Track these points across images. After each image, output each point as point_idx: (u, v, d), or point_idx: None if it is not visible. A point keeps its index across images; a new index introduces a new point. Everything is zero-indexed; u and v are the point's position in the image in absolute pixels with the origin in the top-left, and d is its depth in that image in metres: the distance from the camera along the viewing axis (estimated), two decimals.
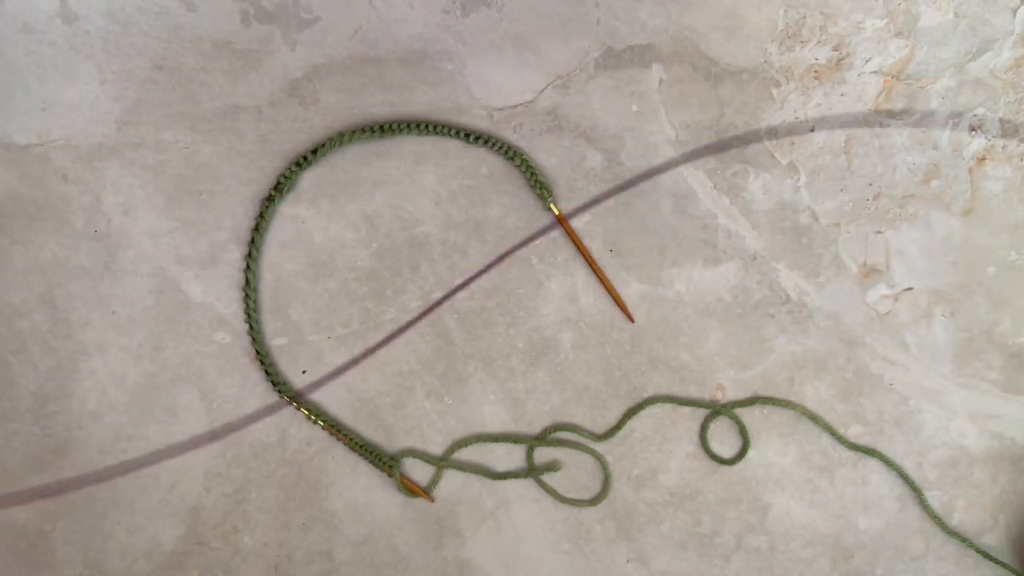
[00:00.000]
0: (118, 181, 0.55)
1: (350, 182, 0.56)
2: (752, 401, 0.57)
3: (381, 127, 0.54)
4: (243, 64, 0.55)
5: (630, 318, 0.56)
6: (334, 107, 0.55)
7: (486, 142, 0.55)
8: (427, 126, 0.54)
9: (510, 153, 0.55)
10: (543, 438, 0.57)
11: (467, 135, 0.55)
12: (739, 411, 0.57)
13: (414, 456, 0.56)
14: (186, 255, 0.55)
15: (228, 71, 0.55)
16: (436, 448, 0.57)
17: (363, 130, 0.54)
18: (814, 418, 0.57)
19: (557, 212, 0.55)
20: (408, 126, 0.54)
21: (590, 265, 0.56)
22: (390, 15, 0.55)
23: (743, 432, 0.57)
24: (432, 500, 0.57)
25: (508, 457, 0.57)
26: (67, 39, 0.54)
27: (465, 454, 0.57)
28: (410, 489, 0.56)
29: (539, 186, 0.55)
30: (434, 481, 0.57)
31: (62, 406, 0.54)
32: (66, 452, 0.55)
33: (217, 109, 0.55)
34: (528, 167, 0.54)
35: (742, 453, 0.57)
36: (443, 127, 0.55)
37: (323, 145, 0.54)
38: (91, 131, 0.54)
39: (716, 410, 0.57)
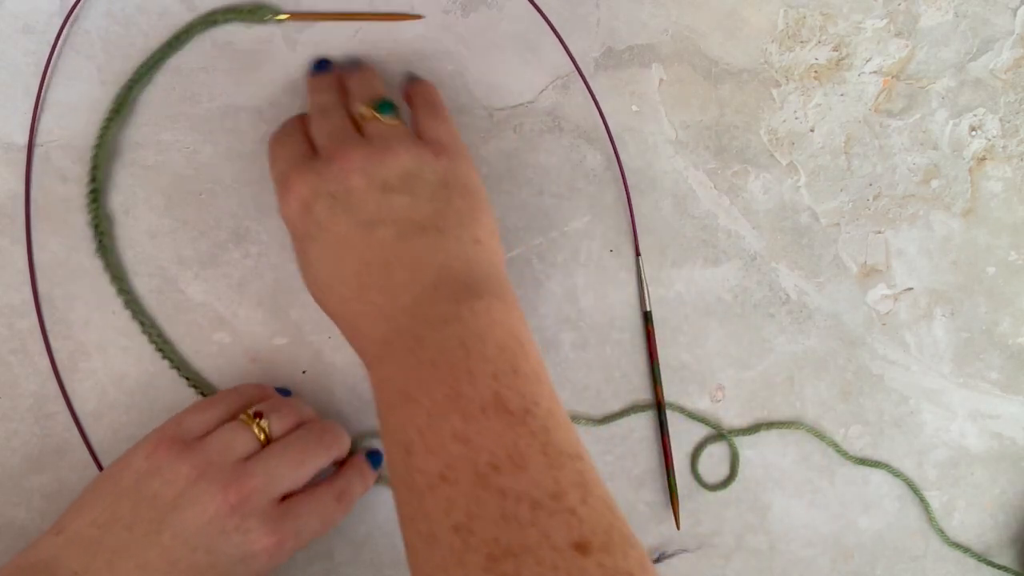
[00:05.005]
0: (118, 181, 0.55)
1: None
2: (756, 428, 0.57)
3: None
4: (243, 64, 0.55)
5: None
6: None
7: None
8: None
9: None
10: None
11: None
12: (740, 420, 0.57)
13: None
14: (186, 255, 0.55)
15: (228, 71, 0.55)
16: None
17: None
18: (819, 435, 0.57)
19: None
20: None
21: None
22: None
23: (735, 461, 0.57)
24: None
25: None
26: (67, 39, 0.54)
27: None
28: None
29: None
30: None
31: (62, 406, 0.54)
32: (66, 452, 0.55)
33: (217, 109, 0.55)
34: None
35: (728, 481, 0.57)
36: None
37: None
38: (91, 131, 0.54)
39: (713, 435, 0.57)
